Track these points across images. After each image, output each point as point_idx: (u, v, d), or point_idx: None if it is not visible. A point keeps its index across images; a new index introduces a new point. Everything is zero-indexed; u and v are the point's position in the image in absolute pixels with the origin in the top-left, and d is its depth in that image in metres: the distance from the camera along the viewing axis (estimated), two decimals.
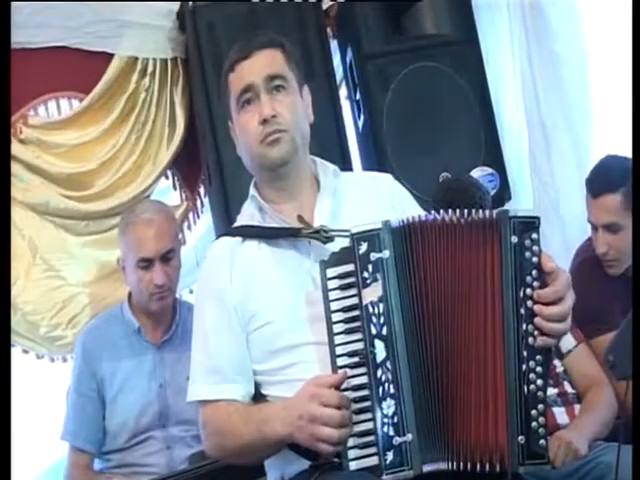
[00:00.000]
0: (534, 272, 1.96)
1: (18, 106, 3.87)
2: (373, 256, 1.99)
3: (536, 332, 1.95)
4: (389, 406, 1.94)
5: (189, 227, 4.07)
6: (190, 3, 3.86)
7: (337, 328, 1.98)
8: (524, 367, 1.93)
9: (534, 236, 1.98)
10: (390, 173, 3.72)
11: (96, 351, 3.27)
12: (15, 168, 3.82)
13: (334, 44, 4.17)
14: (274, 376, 2.17)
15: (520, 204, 4.10)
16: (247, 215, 2.30)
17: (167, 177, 4.10)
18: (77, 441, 3.26)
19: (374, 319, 1.96)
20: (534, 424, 1.93)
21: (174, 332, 3.29)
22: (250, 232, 2.22)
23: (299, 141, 2.21)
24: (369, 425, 1.95)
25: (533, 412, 1.93)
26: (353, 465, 1.94)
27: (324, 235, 2.12)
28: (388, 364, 1.95)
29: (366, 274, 1.98)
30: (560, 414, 2.98)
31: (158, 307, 3.25)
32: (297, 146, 2.20)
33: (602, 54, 4.02)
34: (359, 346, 1.97)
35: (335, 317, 1.98)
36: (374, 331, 1.96)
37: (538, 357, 1.95)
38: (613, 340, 2.28)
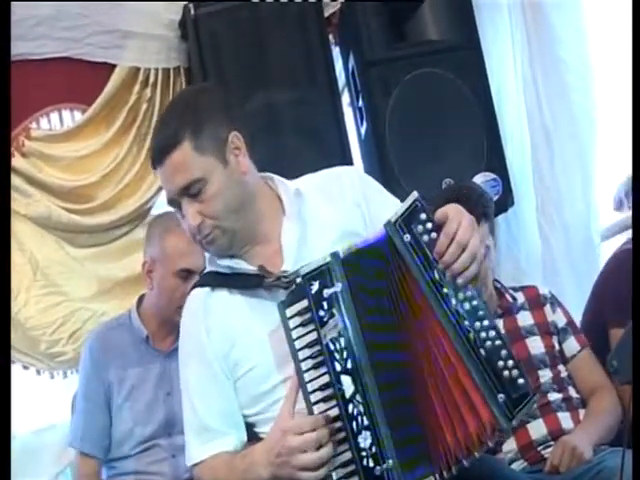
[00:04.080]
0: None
1: (20, 118, 3.89)
2: (326, 292, 1.96)
3: (467, 293, 1.96)
4: (365, 438, 1.91)
5: None
6: (192, 12, 3.85)
7: (305, 365, 1.96)
8: (472, 335, 1.94)
9: (421, 216, 1.99)
10: (393, 180, 3.79)
11: (104, 358, 3.25)
12: (17, 181, 3.83)
13: (336, 51, 4.17)
14: (263, 414, 2.16)
15: (523, 209, 4.10)
16: (212, 260, 2.27)
17: None
18: (85, 447, 3.24)
19: (337, 355, 1.94)
20: (505, 373, 1.92)
21: None
22: (217, 282, 2.20)
23: (234, 221, 2.15)
24: (349, 455, 1.93)
25: (500, 364, 1.93)
26: None
27: (285, 281, 2.07)
28: (358, 397, 1.92)
29: (322, 312, 1.96)
30: (565, 419, 2.97)
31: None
32: (234, 229, 2.16)
33: (606, 59, 4.01)
34: (328, 378, 1.95)
35: (301, 355, 1.96)
36: (339, 367, 1.93)
37: (480, 313, 1.95)
38: (616, 345, 2.27)
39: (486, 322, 1.95)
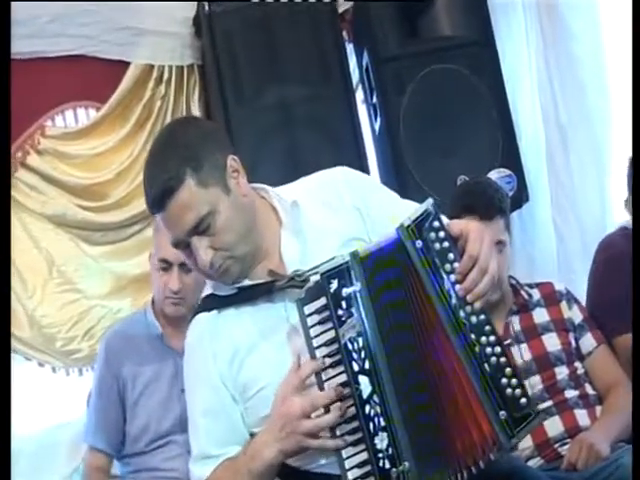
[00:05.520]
0: (450, 255, 1.96)
1: (36, 116, 3.90)
2: (345, 292, 1.95)
3: (475, 307, 1.94)
4: (382, 440, 1.90)
5: None
6: (206, 9, 3.85)
7: (322, 363, 1.94)
8: (477, 349, 1.92)
9: (435, 224, 1.97)
10: (407, 176, 3.78)
11: (119, 354, 3.26)
12: (32, 179, 3.85)
13: (350, 47, 4.17)
14: None
15: (538, 206, 4.09)
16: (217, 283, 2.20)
17: None
18: (97, 442, 3.25)
19: (355, 355, 1.92)
20: (508, 391, 1.91)
21: None
22: (223, 303, 2.15)
23: (244, 246, 2.09)
24: (365, 455, 1.91)
25: (503, 381, 1.92)
26: None
27: (299, 280, 2.05)
28: (375, 398, 1.91)
29: (340, 311, 1.94)
30: (581, 416, 2.96)
31: (171, 312, 3.22)
32: (245, 254, 2.09)
33: (620, 54, 3.99)
34: (346, 377, 1.93)
35: (319, 353, 1.94)
36: (356, 367, 1.92)
37: (487, 328, 1.94)
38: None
39: (492, 338, 1.93)
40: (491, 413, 1.91)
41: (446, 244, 1.97)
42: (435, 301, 1.95)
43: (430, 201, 2.00)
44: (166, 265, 3.16)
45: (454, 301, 1.95)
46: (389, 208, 2.16)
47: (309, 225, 2.15)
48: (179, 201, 2.02)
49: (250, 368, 2.09)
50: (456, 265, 1.96)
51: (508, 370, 1.93)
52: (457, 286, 1.95)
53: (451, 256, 1.96)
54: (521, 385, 1.93)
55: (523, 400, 1.92)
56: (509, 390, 1.91)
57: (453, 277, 1.96)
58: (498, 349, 1.93)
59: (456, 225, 2.02)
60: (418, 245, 1.96)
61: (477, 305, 1.95)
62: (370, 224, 2.16)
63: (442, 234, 1.97)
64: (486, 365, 1.92)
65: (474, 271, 1.96)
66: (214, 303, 2.17)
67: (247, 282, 2.12)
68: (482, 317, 1.95)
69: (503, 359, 1.93)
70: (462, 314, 1.94)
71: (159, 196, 2.02)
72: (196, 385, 2.18)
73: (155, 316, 3.29)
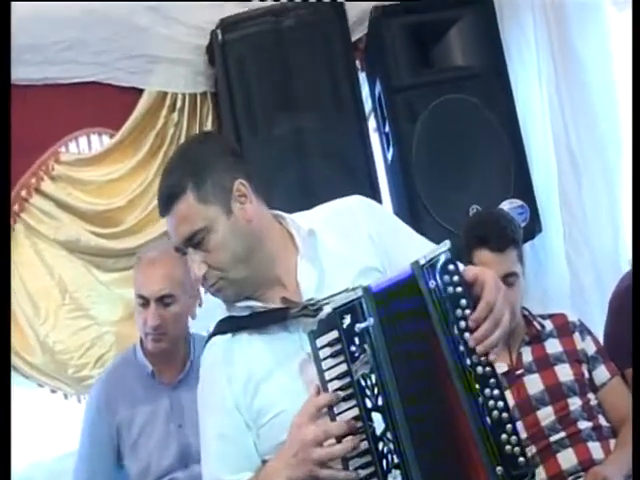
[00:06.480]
0: (463, 301, 1.94)
1: (50, 143, 3.91)
2: (358, 327, 1.93)
3: (482, 358, 1.93)
4: (395, 477, 1.88)
5: None
6: (220, 37, 3.86)
7: (335, 397, 1.92)
8: (480, 400, 1.91)
9: (450, 267, 1.96)
10: (419, 205, 3.78)
11: (112, 399, 3.24)
12: (46, 206, 3.85)
13: (363, 76, 4.18)
14: None
15: (551, 236, 4.08)
16: (230, 304, 2.20)
17: None
18: None
19: (368, 392, 1.90)
20: (507, 448, 1.90)
21: (189, 369, 3.22)
22: (238, 325, 2.15)
23: (240, 270, 2.10)
24: None
25: (503, 437, 1.90)
26: None
27: (311, 309, 2.04)
28: (389, 434, 1.89)
29: (353, 347, 1.92)
30: (595, 449, 2.96)
31: (152, 348, 3.21)
32: (241, 278, 2.10)
33: (632, 84, 4.00)
34: (358, 412, 1.91)
35: (331, 386, 1.92)
36: (370, 404, 1.90)
37: (491, 381, 1.92)
38: None
39: (496, 392, 1.92)
40: (489, 467, 1.89)
41: (459, 289, 1.95)
42: (443, 345, 1.94)
43: (447, 243, 1.99)
44: (143, 301, 3.17)
45: (462, 348, 1.93)
46: (403, 242, 2.17)
47: (326, 253, 2.16)
48: (178, 211, 2.08)
49: (265, 394, 2.08)
50: (467, 312, 1.94)
51: (509, 427, 1.91)
52: (466, 334, 1.93)
53: (463, 302, 1.94)
54: (520, 444, 1.91)
55: (521, 459, 1.90)
56: (508, 447, 1.90)
57: (463, 323, 1.93)
58: (501, 404, 1.91)
59: (471, 270, 2.01)
60: (431, 285, 1.95)
61: (484, 356, 1.93)
62: (384, 256, 2.15)
63: (456, 278, 1.95)
64: (487, 418, 1.90)
65: (488, 321, 1.94)
66: (228, 326, 2.17)
67: (255, 304, 2.12)
68: (488, 369, 1.93)
69: (505, 415, 1.91)
70: (468, 362, 1.92)
71: (163, 201, 2.11)
72: (210, 409, 2.17)
73: (144, 354, 3.28)
